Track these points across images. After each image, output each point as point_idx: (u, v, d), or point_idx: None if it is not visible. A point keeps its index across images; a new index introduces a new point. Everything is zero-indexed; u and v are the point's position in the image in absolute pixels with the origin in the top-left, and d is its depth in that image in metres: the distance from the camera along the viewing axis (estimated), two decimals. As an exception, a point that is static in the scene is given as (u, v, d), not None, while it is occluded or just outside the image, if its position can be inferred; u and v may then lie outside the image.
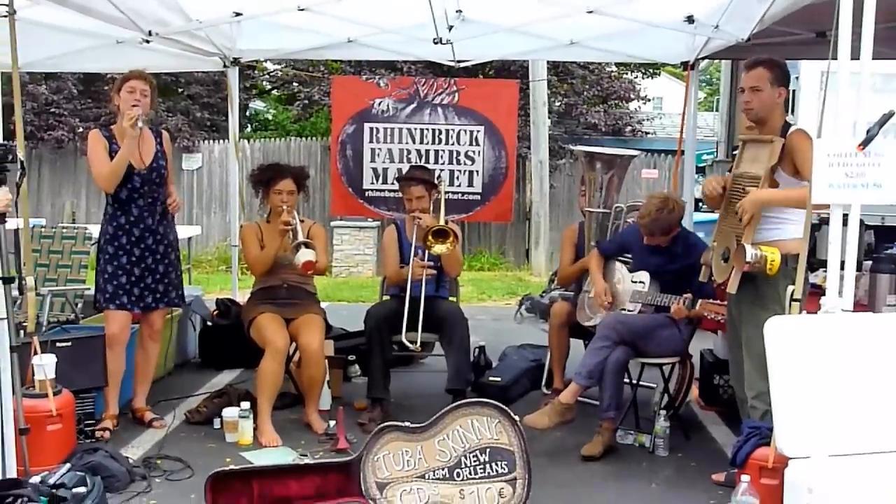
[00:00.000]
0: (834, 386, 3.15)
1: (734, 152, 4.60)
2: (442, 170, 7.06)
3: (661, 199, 5.14)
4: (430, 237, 5.40)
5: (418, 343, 5.44)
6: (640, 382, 5.39)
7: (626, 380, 5.15)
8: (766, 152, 4.11)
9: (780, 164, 4.07)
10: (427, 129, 7.26)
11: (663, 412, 5.04)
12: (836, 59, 3.41)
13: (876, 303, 4.76)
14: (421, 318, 5.44)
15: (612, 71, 17.96)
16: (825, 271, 3.58)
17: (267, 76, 20.76)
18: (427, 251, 5.47)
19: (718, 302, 4.71)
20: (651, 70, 19.27)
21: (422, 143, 7.25)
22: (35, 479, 3.71)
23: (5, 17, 3.96)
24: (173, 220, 5.36)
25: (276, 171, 5.54)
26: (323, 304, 5.74)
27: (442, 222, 5.49)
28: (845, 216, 3.49)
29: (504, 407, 4.03)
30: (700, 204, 8.96)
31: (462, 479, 3.92)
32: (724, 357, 5.25)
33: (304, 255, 5.17)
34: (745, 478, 3.52)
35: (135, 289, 5.10)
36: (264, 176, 5.53)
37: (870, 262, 4.94)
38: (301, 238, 5.24)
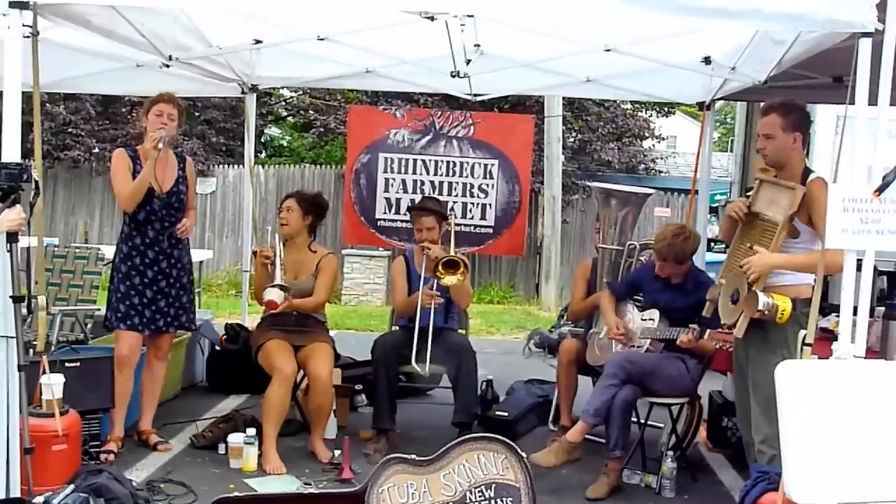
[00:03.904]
0: (844, 433, 3.12)
1: (747, 194, 4.56)
2: (455, 202, 7.08)
3: (678, 225, 5.22)
4: (440, 268, 5.38)
5: (427, 371, 5.41)
6: (648, 422, 5.35)
7: (634, 419, 5.11)
8: (786, 198, 4.03)
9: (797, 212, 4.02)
10: (441, 161, 7.29)
11: (671, 453, 5.00)
12: (853, 103, 3.42)
13: (888, 350, 4.71)
14: (430, 347, 5.40)
15: (626, 109, 18.03)
16: (837, 316, 3.56)
17: (283, 103, 20.88)
18: (437, 282, 5.46)
19: (726, 331, 4.66)
20: (666, 109, 19.33)
21: (436, 174, 7.28)
22: (38, 500, 3.70)
23: (28, 37, 3.98)
24: (188, 243, 5.38)
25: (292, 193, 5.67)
26: (331, 332, 5.74)
27: (452, 253, 5.48)
28: (859, 262, 3.48)
29: (511, 443, 3.99)
30: (713, 244, 8.94)
31: (466, 515, 3.89)
32: (733, 399, 5.21)
33: (269, 294, 5.19)
34: (752, 523, 3.49)
35: (146, 311, 5.11)
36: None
37: (883, 309, 4.90)
38: (279, 280, 5.24)
